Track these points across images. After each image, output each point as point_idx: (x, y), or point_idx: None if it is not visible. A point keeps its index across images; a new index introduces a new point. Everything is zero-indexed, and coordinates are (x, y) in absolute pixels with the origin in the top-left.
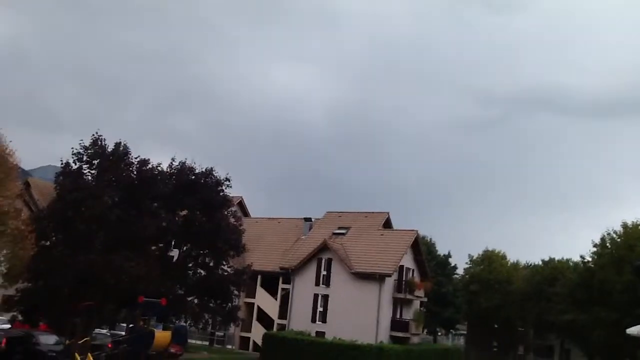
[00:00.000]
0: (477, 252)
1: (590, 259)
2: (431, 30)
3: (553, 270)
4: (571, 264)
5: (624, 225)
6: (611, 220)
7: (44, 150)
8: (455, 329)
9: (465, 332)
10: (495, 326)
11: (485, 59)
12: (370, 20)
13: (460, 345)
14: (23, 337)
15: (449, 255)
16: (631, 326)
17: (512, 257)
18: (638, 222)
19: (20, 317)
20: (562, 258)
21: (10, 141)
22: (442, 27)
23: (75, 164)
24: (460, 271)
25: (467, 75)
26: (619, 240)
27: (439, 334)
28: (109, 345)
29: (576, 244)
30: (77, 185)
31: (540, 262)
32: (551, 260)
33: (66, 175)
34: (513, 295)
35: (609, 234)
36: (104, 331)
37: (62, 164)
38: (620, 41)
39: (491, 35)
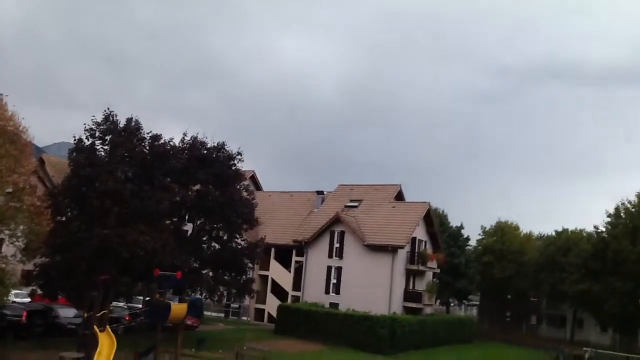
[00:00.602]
0: (489, 223)
1: (604, 229)
2: (444, 2)
3: (566, 240)
4: (585, 234)
5: (639, 195)
6: (625, 190)
7: (58, 128)
8: (468, 299)
9: (478, 303)
10: (508, 297)
11: (497, 30)
12: None
13: (473, 315)
14: (43, 310)
15: (461, 227)
16: None
17: (525, 228)
18: None
19: (39, 291)
20: (576, 228)
21: (24, 118)
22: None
23: (88, 140)
24: (473, 242)
25: (480, 47)
26: (633, 210)
27: (452, 304)
28: (127, 318)
29: (590, 214)
30: (90, 161)
31: (554, 233)
32: (564, 230)
33: (79, 152)
34: (526, 266)
35: (623, 204)
36: (121, 304)
37: (75, 140)
38: (634, 10)
39: (504, 6)
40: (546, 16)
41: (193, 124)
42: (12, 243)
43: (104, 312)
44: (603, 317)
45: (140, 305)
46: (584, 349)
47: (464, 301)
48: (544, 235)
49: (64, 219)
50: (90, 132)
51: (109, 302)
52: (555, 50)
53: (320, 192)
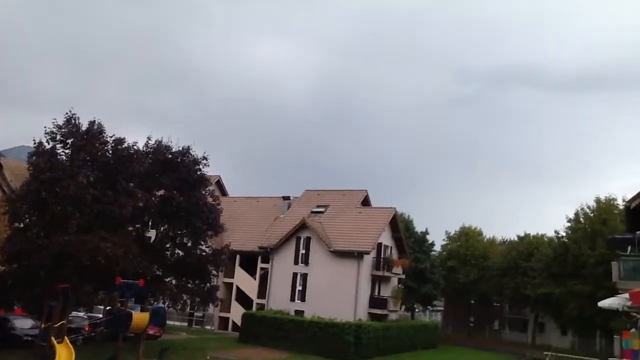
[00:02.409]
0: (454, 228)
1: (564, 234)
2: (413, 6)
3: (528, 245)
4: (546, 239)
5: (597, 200)
6: (585, 195)
7: (18, 131)
8: (432, 305)
9: (442, 308)
10: (472, 302)
11: (463, 35)
12: None
13: (437, 321)
14: None
15: (426, 232)
16: (604, 299)
17: (488, 233)
18: (611, 197)
19: None
20: (537, 233)
21: None
22: (424, 3)
23: (49, 144)
24: (437, 248)
25: (446, 51)
26: (592, 215)
27: (417, 310)
28: (87, 328)
29: (551, 219)
30: (51, 165)
31: (516, 238)
32: (526, 235)
33: (39, 155)
34: (490, 270)
35: (582, 209)
36: (81, 314)
37: (35, 143)
38: (597, 16)
39: (470, 11)
40: (513, 20)
41: (158, 128)
42: None
43: (62, 322)
44: (563, 320)
45: (100, 315)
46: (545, 353)
47: (428, 307)
48: (507, 240)
49: (22, 225)
50: (51, 135)
51: (68, 312)
52: (521, 55)
53: (286, 198)
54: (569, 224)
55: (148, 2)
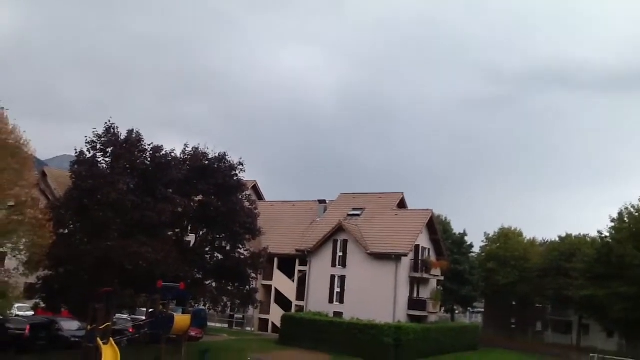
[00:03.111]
0: (493, 230)
1: (607, 234)
2: (439, 7)
3: (570, 246)
4: (588, 239)
5: None
6: (629, 195)
7: (59, 141)
8: (472, 306)
9: (482, 310)
10: (513, 303)
11: (497, 35)
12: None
13: (478, 322)
14: (46, 323)
15: (464, 234)
16: None
17: (528, 234)
18: None
19: (42, 304)
20: (579, 234)
21: (25, 131)
22: (449, 3)
23: (90, 152)
24: (476, 249)
25: (477, 52)
26: (637, 214)
27: (457, 312)
28: (130, 330)
29: (593, 220)
30: (92, 173)
31: (557, 239)
32: (568, 236)
33: (81, 164)
34: (530, 272)
35: (626, 208)
36: (125, 316)
37: (76, 152)
38: (632, 15)
39: (500, 10)
40: (546, 20)
41: (194, 136)
42: (14, 256)
43: (107, 324)
44: (608, 322)
45: (143, 317)
46: (590, 355)
47: (468, 308)
48: (547, 241)
49: (66, 231)
50: (92, 145)
51: (112, 314)
52: (557, 54)
53: (322, 201)
54: (612, 224)
55: (181, 16)
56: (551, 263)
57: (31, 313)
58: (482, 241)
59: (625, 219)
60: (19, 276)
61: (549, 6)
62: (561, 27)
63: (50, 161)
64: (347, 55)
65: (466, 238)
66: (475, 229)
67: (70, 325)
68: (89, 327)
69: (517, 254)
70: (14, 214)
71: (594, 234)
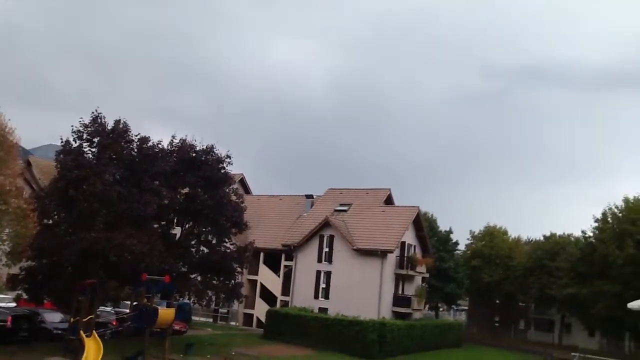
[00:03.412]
0: (478, 227)
1: (591, 234)
2: (433, 2)
3: (554, 245)
4: (572, 239)
5: (626, 200)
6: (613, 195)
7: (46, 129)
8: (457, 304)
9: (467, 308)
10: (497, 301)
11: (487, 31)
12: None
13: (462, 320)
14: (28, 315)
15: (450, 231)
16: (633, 299)
17: (513, 233)
18: None
19: (25, 296)
20: (564, 233)
21: (10, 119)
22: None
23: (76, 142)
24: (461, 247)
25: (469, 48)
26: (620, 215)
27: (441, 309)
28: (114, 323)
29: (577, 219)
30: (77, 163)
31: (542, 238)
32: (552, 235)
33: (66, 154)
34: (515, 270)
35: (610, 208)
36: (109, 309)
37: (62, 142)
38: (623, 14)
39: (494, 7)
40: (536, 18)
41: (181, 127)
42: None
43: (90, 316)
44: (591, 321)
45: (127, 310)
46: (572, 353)
47: (452, 306)
48: (532, 240)
49: (50, 222)
50: (78, 134)
51: (95, 307)
52: (545, 53)
53: (309, 196)
54: (596, 224)
55: (170, 4)
56: (535, 262)
57: (13, 304)
58: (468, 239)
59: (609, 219)
60: (1, 267)
61: (541, 3)
62: (553, 25)
63: (36, 150)
64: (339, 48)
65: (452, 235)
66: (461, 227)
67: (53, 317)
68: (72, 319)
69: (502, 252)
70: None
71: (578, 233)
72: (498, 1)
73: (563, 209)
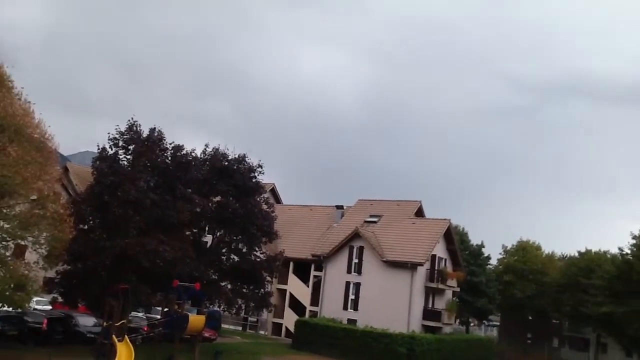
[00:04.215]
0: (511, 242)
1: (629, 251)
2: (461, 14)
3: (590, 261)
4: (609, 255)
5: None
6: None
7: (82, 136)
8: (488, 319)
9: (498, 323)
10: (529, 317)
11: (520, 44)
12: (401, 2)
13: (493, 336)
14: (63, 318)
15: (482, 245)
16: None
17: (547, 248)
18: None
19: (60, 299)
20: (599, 250)
21: (50, 126)
22: (473, 10)
23: (112, 149)
24: (493, 261)
25: (499, 61)
26: None
27: (472, 324)
28: (145, 328)
29: (613, 235)
30: (113, 169)
31: (576, 254)
32: (588, 251)
33: (103, 160)
34: (548, 286)
35: None
36: (140, 314)
37: (98, 149)
38: None
39: (525, 19)
40: (570, 30)
41: (212, 134)
42: (35, 250)
43: (122, 321)
44: (627, 341)
45: (158, 316)
46: None
47: (484, 321)
48: (566, 256)
49: (86, 227)
50: (114, 142)
51: (128, 312)
52: (577, 66)
53: (340, 207)
54: (634, 241)
55: (202, 13)
56: (569, 278)
57: (49, 307)
58: (500, 253)
59: None
60: (38, 270)
61: (572, 17)
62: (585, 38)
63: (73, 157)
64: (368, 58)
65: (483, 249)
66: (493, 241)
67: (86, 321)
68: (104, 323)
69: (535, 268)
70: (36, 207)
71: (614, 249)
72: (527, 15)
73: (599, 225)
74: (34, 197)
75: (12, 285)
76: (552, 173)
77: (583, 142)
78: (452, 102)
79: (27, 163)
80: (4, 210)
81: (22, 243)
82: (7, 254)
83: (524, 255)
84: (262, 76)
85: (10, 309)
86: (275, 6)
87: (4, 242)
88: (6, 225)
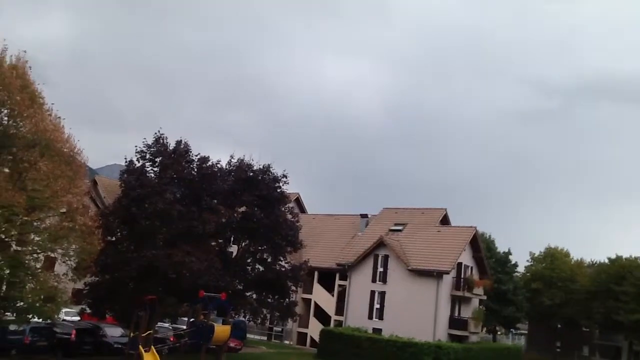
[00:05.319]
0: (538, 249)
1: None
2: (486, 18)
3: (620, 268)
4: None
5: None
6: None
7: (110, 150)
8: (515, 328)
9: (526, 332)
10: (558, 326)
11: (543, 47)
12: (423, 9)
13: (520, 344)
14: (91, 329)
15: (509, 253)
16: None
17: (575, 255)
18: None
19: (88, 310)
20: (631, 256)
21: (79, 140)
22: (497, 13)
23: (139, 162)
24: (521, 269)
25: (525, 64)
26: None
27: (499, 333)
28: (171, 339)
29: None
30: (140, 182)
31: (606, 260)
32: (618, 258)
33: (130, 173)
34: (577, 294)
35: None
36: (166, 324)
37: (126, 162)
38: None
39: (550, 21)
40: (596, 31)
41: (237, 145)
42: (64, 262)
43: (149, 332)
44: None
45: (184, 326)
46: None
47: (511, 329)
48: (595, 263)
49: (114, 238)
50: (141, 154)
51: (154, 322)
52: (604, 67)
53: (364, 216)
54: None
55: (225, 25)
56: (600, 285)
57: (77, 318)
58: (527, 260)
59: None
60: (67, 281)
61: (598, 18)
62: (612, 39)
63: (101, 170)
64: (391, 65)
65: (510, 257)
66: (520, 248)
67: (114, 332)
68: (131, 334)
69: (563, 275)
70: (66, 220)
71: None
72: (552, 16)
73: (629, 231)
74: (64, 210)
75: (42, 297)
76: (580, 178)
77: (611, 144)
78: (478, 107)
79: (57, 177)
80: (35, 223)
81: (52, 255)
82: (38, 266)
83: (552, 263)
84: (285, 87)
85: (40, 320)
86: (297, 18)
87: (34, 255)
88: (37, 238)
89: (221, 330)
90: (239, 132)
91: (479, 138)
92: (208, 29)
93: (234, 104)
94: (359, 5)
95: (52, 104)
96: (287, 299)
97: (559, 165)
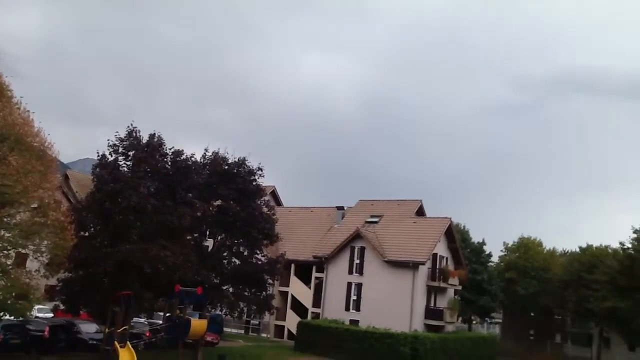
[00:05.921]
0: (512, 239)
1: (630, 245)
2: (463, 14)
3: (592, 257)
4: (610, 250)
5: None
6: None
7: (83, 144)
8: (490, 317)
9: (500, 321)
10: (532, 314)
11: (519, 42)
12: (401, 5)
13: (496, 333)
14: (65, 325)
15: (483, 243)
16: None
17: (548, 244)
18: None
19: (62, 306)
20: (601, 245)
21: (49, 134)
22: (473, 10)
23: (112, 156)
24: (495, 259)
25: (500, 60)
26: None
27: (474, 322)
28: (147, 334)
29: (614, 230)
30: (113, 176)
31: (578, 249)
32: (589, 247)
33: (103, 167)
34: (550, 283)
35: None
36: (142, 320)
37: (98, 156)
38: None
39: (524, 17)
40: (569, 27)
41: (214, 139)
42: (36, 258)
43: (124, 327)
44: (631, 335)
45: (160, 321)
46: None
47: (486, 319)
48: (568, 252)
49: (87, 234)
50: (114, 148)
51: (130, 318)
52: (578, 63)
53: (340, 208)
54: (635, 235)
55: (202, 21)
56: (572, 274)
57: (51, 315)
58: (501, 251)
59: None
60: (40, 278)
61: (571, 15)
62: (585, 34)
63: (73, 164)
64: (369, 61)
65: (485, 247)
66: (494, 238)
67: (88, 328)
68: (107, 330)
69: (537, 264)
70: (37, 215)
71: (615, 244)
72: (527, 13)
73: (599, 221)
74: (35, 205)
75: (14, 294)
76: (551, 170)
77: (583, 138)
78: (454, 102)
79: (27, 172)
80: (5, 219)
81: (24, 251)
82: (9, 262)
83: (525, 252)
84: (263, 82)
85: (12, 317)
86: (276, 13)
87: (5, 251)
88: (7, 234)
89: (198, 324)
90: (216, 127)
91: (454, 131)
92: (186, 25)
93: (212, 100)
94: (338, 1)
95: (21, 97)
96: (264, 292)
97: (531, 157)
